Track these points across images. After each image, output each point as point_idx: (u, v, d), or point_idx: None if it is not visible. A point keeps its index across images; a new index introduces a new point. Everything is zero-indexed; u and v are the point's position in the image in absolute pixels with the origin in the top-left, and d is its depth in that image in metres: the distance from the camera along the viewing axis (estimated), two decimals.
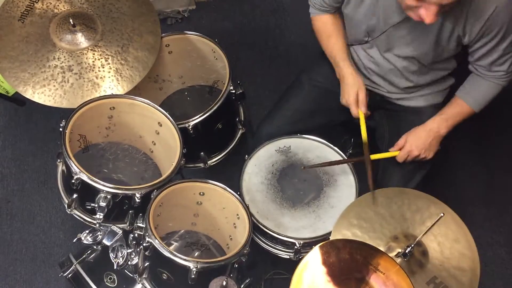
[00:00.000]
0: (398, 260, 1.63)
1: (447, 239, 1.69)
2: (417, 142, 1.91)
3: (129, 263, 1.84)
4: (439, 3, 1.56)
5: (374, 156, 1.94)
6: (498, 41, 1.77)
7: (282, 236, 1.87)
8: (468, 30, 1.75)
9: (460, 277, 1.64)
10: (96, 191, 1.79)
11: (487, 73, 1.88)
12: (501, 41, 1.77)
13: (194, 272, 1.69)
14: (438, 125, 1.92)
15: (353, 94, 1.95)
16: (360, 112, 1.95)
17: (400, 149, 1.94)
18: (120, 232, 1.84)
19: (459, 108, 1.93)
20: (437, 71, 1.96)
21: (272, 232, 1.88)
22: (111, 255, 1.82)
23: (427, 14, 1.60)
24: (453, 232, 1.70)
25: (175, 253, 1.70)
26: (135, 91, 2.00)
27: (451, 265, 1.66)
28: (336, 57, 1.99)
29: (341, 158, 2.00)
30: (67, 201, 1.92)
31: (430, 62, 1.90)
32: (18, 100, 2.58)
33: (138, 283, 1.86)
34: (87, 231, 1.87)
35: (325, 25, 2.02)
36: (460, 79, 1.99)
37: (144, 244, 1.76)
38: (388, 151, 1.97)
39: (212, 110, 2.02)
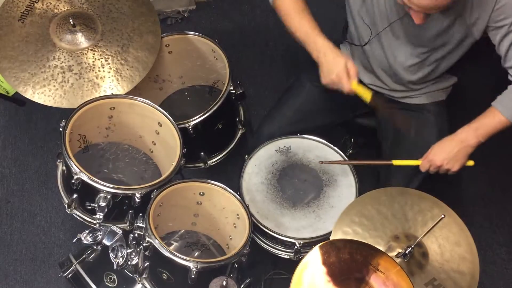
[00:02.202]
0: (398, 260, 1.63)
1: (448, 241, 1.69)
2: (440, 152, 1.82)
3: (129, 263, 1.84)
4: (423, 12, 1.63)
5: (396, 162, 1.88)
6: None
7: (282, 236, 1.87)
8: (477, 19, 1.74)
9: (459, 281, 1.64)
10: (96, 191, 1.79)
11: None
12: None
13: (194, 272, 1.69)
14: (466, 135, 1.80)
15: (341, 66, 1.77)
16: (353, 83, 1.78)
17: (424, 159, 1.86)
18: (120, 232, 1.84)
19: (491, 117, 1.79)
20: (440, 65, 1.94)
21: (272, 232, 1.88)
22: (111, 255, 1.82)
23: (415, 16, 1.66)
24: (454, 235, 1.70)
25: (175, 253, 1.70)
26: (135, 91, 2.00)
27: (450, 267, 1.66)
28: (311, 34, 1.83)
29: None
30: (67, 201, 1.92)
31: (434, 55, 1.89)
32: (18, 100, 2.58)
33: (138, 283, 1.86)
34: (87, 231, 1.87)
35: (292, 4, 1.88)
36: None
37: (144, 244, 1.76)
38: (413, 160, 1.88)
39: (212, 110, 2.02)
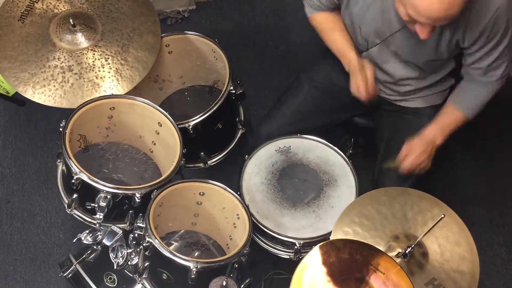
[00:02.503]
0: (398, 260, 1.63)
1: (448, 241, 1.69)
2: (416, 152, 1.88)
3: (129, 263, 1.84)
4: (432, 25, 1.60)
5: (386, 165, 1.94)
6: (495, 44, 1.76)
7: (282, 236, 1.87)
8: (467, 35, 1.75)
9: (459, 280, 1.64)
10: (96, 191, 1.79)
11: (481, 78, 1.87)
12: (498, 44, 1.76)
13: (194, 272, 1.69)
14: (434, 135, 1.91)
15: (360, 77, 1.88)
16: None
17: (400, 162, 1.91)
18: (120, 232, 1.84)
19: (453, 116, 1.92)
20: (436, 74, 1.96)
21: (272, 232, 1.88)
22: (111, 255, 1.82)
23: (422, 31, 1.62)
24: (454, 234, 1.70)
25: (175, 253, 1.70)
26: (135, 91, 2.00)
27: (450, 267, 1.66)
28: (343, 48, 1.94)
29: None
30: (67, 201, 1.92)
31: (430, 67, 1.90)
32: (18, 100, 2.58)
33: (138, 283, 1.86)
34: (87, 231, 1.87)
35: (326, 20, 1.98)
36: (460, 79, 1.99)
37: (144, 244, 1.76)
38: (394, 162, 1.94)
39: (212, 110, 2.02)
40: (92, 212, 1.88)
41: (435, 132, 1.91)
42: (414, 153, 1.89)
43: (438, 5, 1.51)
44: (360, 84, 1.88)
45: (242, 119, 2.26)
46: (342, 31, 1.95)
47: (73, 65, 1.96)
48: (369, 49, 1.90)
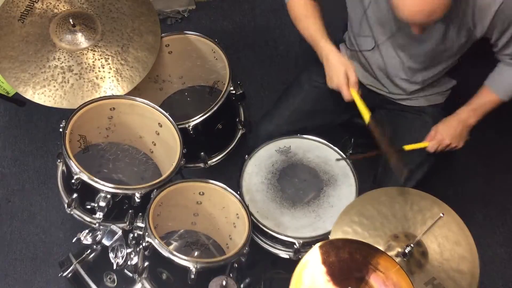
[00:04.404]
0: (398, 259, 1.63)
1: (448, 241, 1.69)
2: (448, 131, 1.93)
3: (128, 263, 1.84)
4: (419, 25, 1.66)
5: (407, 147, 1.92)
6: None
7: (281, 235, 1.87)
8: (478, 23, 1.75)
9: (459, 280, 1.64)
10: (96, 191, 1.79)
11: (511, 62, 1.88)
12: None
13: (194, 272, 1.69)
14: (467, 115, 1.93)
15: (342, 74, 1.81)
16: (352, 91, 1.82)
17: (431, 139, 1.94)
18: (120, 231, 1.84)
19: (487, 97, 1.93)
20: (442, 70, 1.96)
21: (272, 231, 1.88)
22: (111, 255, 1.82)
23: (413, 28, 1.69)
24: (454, 234, 1.70)
25: (174, 253, 1.70)
26: (135, 92, 2.00)
27: (450, 267, 1.66)
28: (316, 37, 1.88)
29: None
30: (67, 201, 1.92)
31: (437, 61, 1.90)
32: (18, 100, 2.58)
33: (138, 283, 1.86)
34: (86, 231, 1.87)
35: (301, 7, 1.93)
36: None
37: (144, 244, 1.76)
38: (420, 142, 1.95)
39: (212, 111, 2.02)
40: (92, 212, 1.88)
41: (468, 112, 1.93)
42: (444, 131, 1.92)
43: (419, 14, 1.59)
44: (341, 83, 1.81)
45: (242, 119, 2.26)
46: (316, 19, 1.91)
47: (73, 65, 1.96)
48: (377, 46, 1.90)
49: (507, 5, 1.69)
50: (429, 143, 1.93)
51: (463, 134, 1.95)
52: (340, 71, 1.82)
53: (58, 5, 2.04)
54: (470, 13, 1.73)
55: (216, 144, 2.23)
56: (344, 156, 2.02)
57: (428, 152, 1.95)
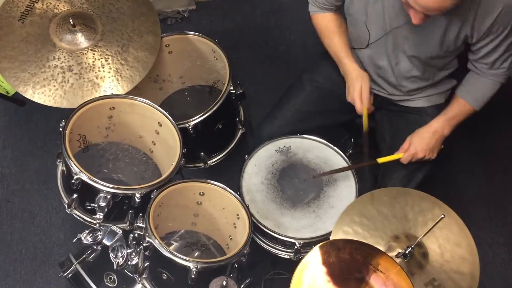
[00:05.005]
0: (398, 260, 1.63)
1: (449, 242, 1.69)
2: (421, 144, 1.92)
3: (129, 263, 1.84)
4: (424, 13, 1.64)
5: (381, 160, 1.94)
6: (504, 38, 1.77)
7: (282, 236, 1.87)
8: (476, 30, 1.76)
9: (459, 281, 1.64)
10: (96, 191, 1.79)
11: (487, 71, 1.88)
12: (506, 38, 1.77)
13: (194, 272, 1.69)
14: (441, 126, 1.94)
15: (357, 88, 1.95)
16: (364, 108, 1.95)
17: (404, 152, 1.93)
18: (120, 232, 1.84)
19: (460, 107, 1.94)
20: (441, 71, 1.96)
21: (272, 232, 1.88)
22: (111, 255, 1.82)
23: (415, 16, 1.67)
24: (455, 235, 1.70)
25: (175, 253, 1.70)
26: (135, 91, 2.00)
27: (450, 268, 1.66)
28: (340, 54, 1.99)
29: (346, 164, 2.00)
30: (67, 201, 1.91)
31: (435, 63, 1.90)
32: (18, 100, 2.58)
33: (138, 283, 1.86)
34: (87, 231, 1.87)
35: (327, 23, 2.01)
36: (462, 80, 1.99)
37: (144, 244, 1.76)
38: (394, 154, 1.96)
39: (212, 110, 2.02)
40: (92, 212, 1.88)
41: (442, 123, 1.94)
42: (418, 144, 1.92)
43: None
44: (355, 96, 1.95)
45: (242, 119, 2.26)
46: (341, 36, 2.00)
47: (73, 65, 1.96)
48: (374, 42, 1.90)
49: (509, 8, 1.69)
50: (402, 155, 1.94)
51: (436, 146, 1.95)
52: (357, 84, 1.95)
53: (58, 5, 2.04)
54: (471, 18, 1.73)
55: (216, 144, 2.23)
56: (344, 156, 2.02)
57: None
